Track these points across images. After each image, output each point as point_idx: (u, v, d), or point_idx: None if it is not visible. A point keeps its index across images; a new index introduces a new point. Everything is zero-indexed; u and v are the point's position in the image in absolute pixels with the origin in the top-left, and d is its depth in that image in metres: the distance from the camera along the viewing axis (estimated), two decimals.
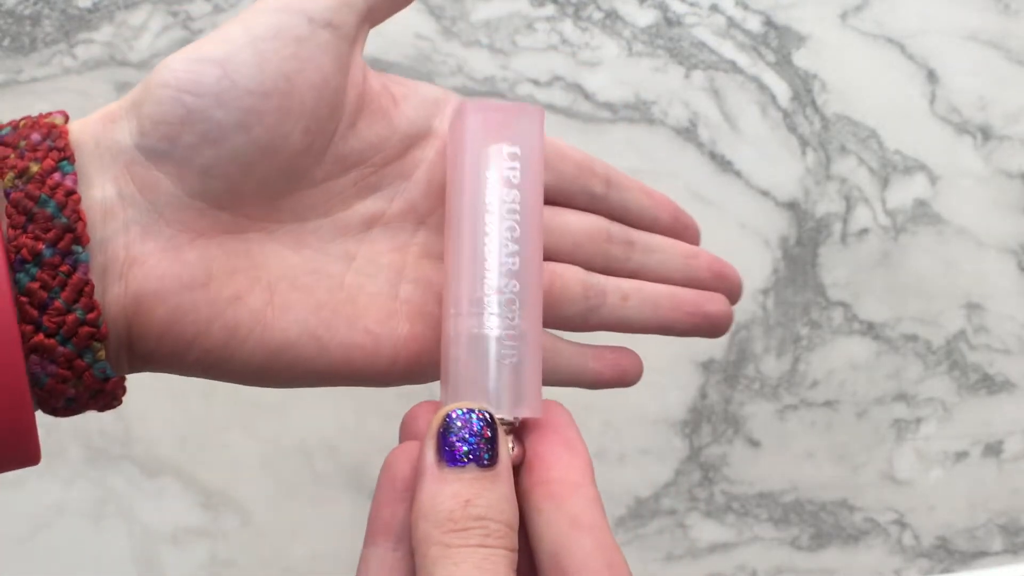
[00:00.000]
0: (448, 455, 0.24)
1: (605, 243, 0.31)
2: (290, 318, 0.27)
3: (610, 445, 0.64)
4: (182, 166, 0.25)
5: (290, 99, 0.26)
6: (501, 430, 0.24)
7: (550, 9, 0.61)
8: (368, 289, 0.28)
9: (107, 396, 0.26)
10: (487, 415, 0.24)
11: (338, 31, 0.27)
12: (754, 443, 0.67)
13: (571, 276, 0.30)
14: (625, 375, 0.31)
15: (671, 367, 0.64)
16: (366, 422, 0.60)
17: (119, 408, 0.61)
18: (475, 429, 0.24)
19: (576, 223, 0.31)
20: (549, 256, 0.30)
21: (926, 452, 0.71)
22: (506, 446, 0.24)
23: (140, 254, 0.25)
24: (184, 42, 0.56)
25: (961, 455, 0.71)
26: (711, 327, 0.32)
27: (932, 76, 0.67)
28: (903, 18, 0.66)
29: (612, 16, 0.62)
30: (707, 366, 0.65)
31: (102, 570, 0.59)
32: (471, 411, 0.24)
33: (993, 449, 0.72)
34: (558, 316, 0.30)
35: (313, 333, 0.27)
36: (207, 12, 0.56)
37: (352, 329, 0.28)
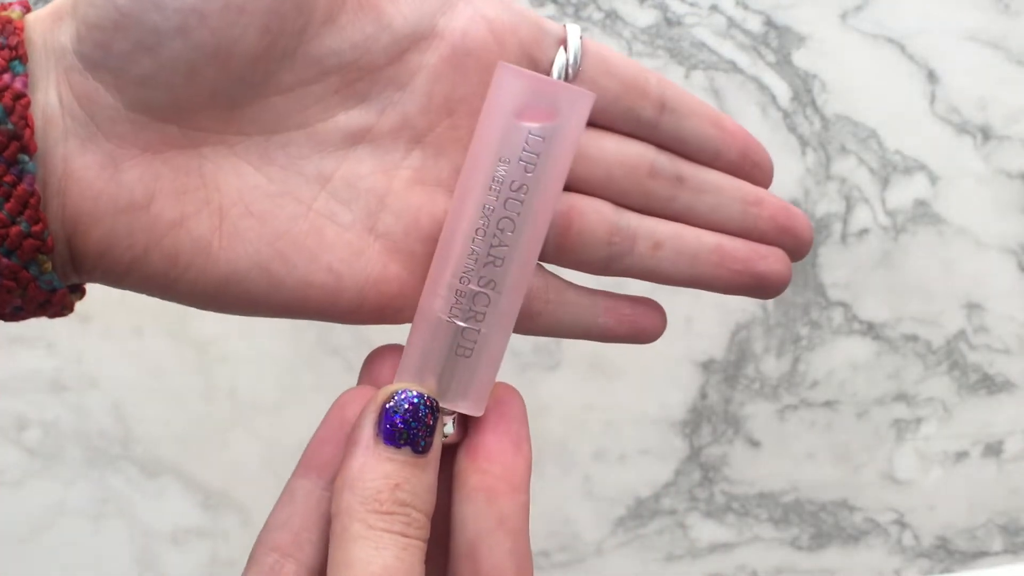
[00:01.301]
0: (387, 432, 0.23)
1: (647, 177, 0.27)
2: (240, 249, 0.24)
3: (610, 445, 0.64)
4: (118, 76, 0.23)
5: None
6: (440, 420, 0.24)
7: (550, 9, 0.61)
8: (340, 219, 0.25)
9: (55, 306, 0.24)
10: (433, 403, 0.24)
11: None
12: (754, 443, 0.67)
13: (595, 215, 0.26)
14: (642, 333, 0.28)
15: (671, 367, 0.64)
16: None
17: (119, 408, 0.61)
18: (419, 415, 0.23)
19: (613, 150, 0.26)
20: (574, 187, 0.26)
21: (926, 452, 0.71)
22: (440, 436, 0.24)
23: (77, 169, 0.23)
24: None
25: (961, 455, 0.71)
26: (760, 288, 0.28)
27: (932, 76, 0.67)
28: (903, 18, 0.66)
29: (612, 16, 0.62)
30: (707, 366, 0.65)
31: (102, 570, 0.59)
32: (420, 396, 0.24)
33: (993, 449, 0.72)
34: (574, 259, 0.27)
35: (266, 267, 0.24)
36: None
37: (313, 265, 0.25)
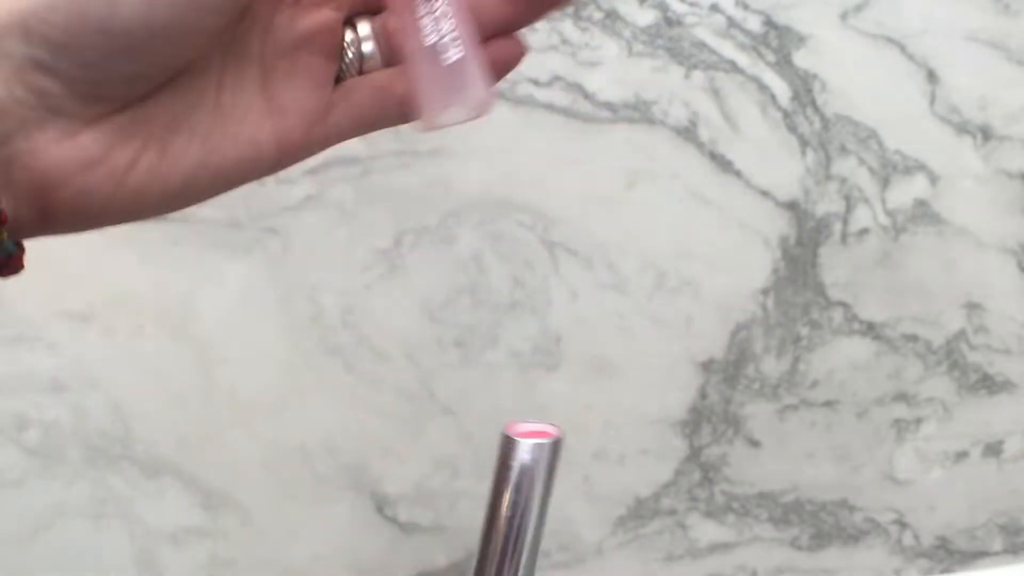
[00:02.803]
0: None
1: None
2: (185, 161, 0.28)
3: (610, 445, 0.64)
4: (66, 80, 0.26)
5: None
6: None
7: None
8: (241, 101, 0.29)
9: (10, 269, 0.28)
10: None
11: None
12: (754, 443, 0.67)
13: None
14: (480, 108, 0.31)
15: (671, 367, 0.64)
16: (366, 422, 0.60)
17: (119, 408, 0.61)
18: None
19: None
20: None
21: (926, 452, 0.71)
22: None
23: (38, 147, 0.26)
24: None
25: (961, 455, 0.71)
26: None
27: (932, 76, 0.67)
28: (903, 18, 0.66)
29: (612, 16, 0.62)
30: (707, 366, 0.65)
31: (102, 570, 0.59)
32: None
33: (993, 449, 0.72)
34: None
35: (206, 164, 0.29)
36: None
37: (237, 143, 0.29)
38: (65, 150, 0.27)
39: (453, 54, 0.28)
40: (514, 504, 0.30)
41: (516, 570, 0.29)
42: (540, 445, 0.30)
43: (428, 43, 0.28)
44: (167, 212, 0.30)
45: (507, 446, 0.30)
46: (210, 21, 0.27)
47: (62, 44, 0.25)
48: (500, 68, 0.32)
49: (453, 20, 0.29)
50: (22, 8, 0.26)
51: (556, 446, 0.31)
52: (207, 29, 0.27)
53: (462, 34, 0.29)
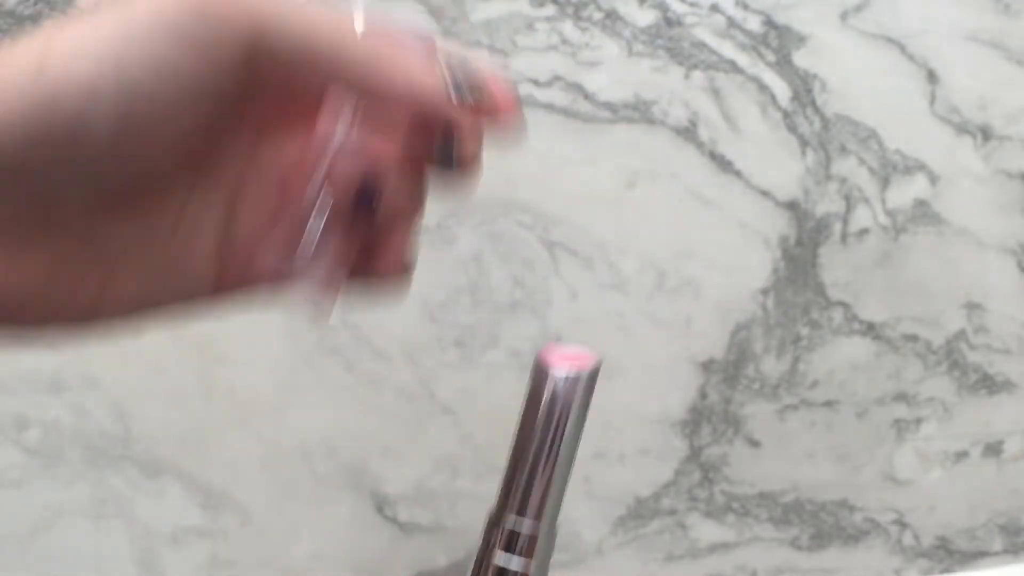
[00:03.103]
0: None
1: None
2: (127, 292, 0.26)
3: (610, 445, 0.64)
4: (15, 207, 0.23)
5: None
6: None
7: (550, 9, 0.61)
8: (195, 242, 0.27)
9: None
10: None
11: None
12: (754, 443, 0.67)
13: None
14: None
15: (671, 367, 0.64)
16: (366, 422, 0.60)
17: (119, 408, 0.61)
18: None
19: None
20: None
21: (926, 452, 0.71)
22: None
23: None
24: None
25: (961, 455, 0.71)
26: None
27: (932, 76, 0.67)
28: (903, 18, 0.66)
29: (612, 16, 0.62)
30: (707, 366, 0.65)
31: (102, 570, 0.59)
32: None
33: (993, 449, 0.72)
34: None
35: (149, 298, 0.27)
36: None
37: (181, 284, 0.27)
38: (6, 274, 0.24)
39: (313, 228, 0.26)
40: (543, 436, 0.27)
41: (545, 495, 0.28)
42: (574, 378, 0.28)
43: (307, 196, 0.26)
44: (117, 333, 0.27)
45: (539, 375, 0.28)
46: (188, 140, 0.24)
47: (15, 165, 0.22)
48: (372, 284, 0.28)
49: (330, 191, 0.26)
50: None
51: (593, 376, 0.28)
52: (182, 148, 0.24)
53: (329, 213, 0.26)
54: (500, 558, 0.27)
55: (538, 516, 0.27)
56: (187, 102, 0.23)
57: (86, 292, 0.25)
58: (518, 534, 0.27)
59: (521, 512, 0.27)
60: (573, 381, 0.27)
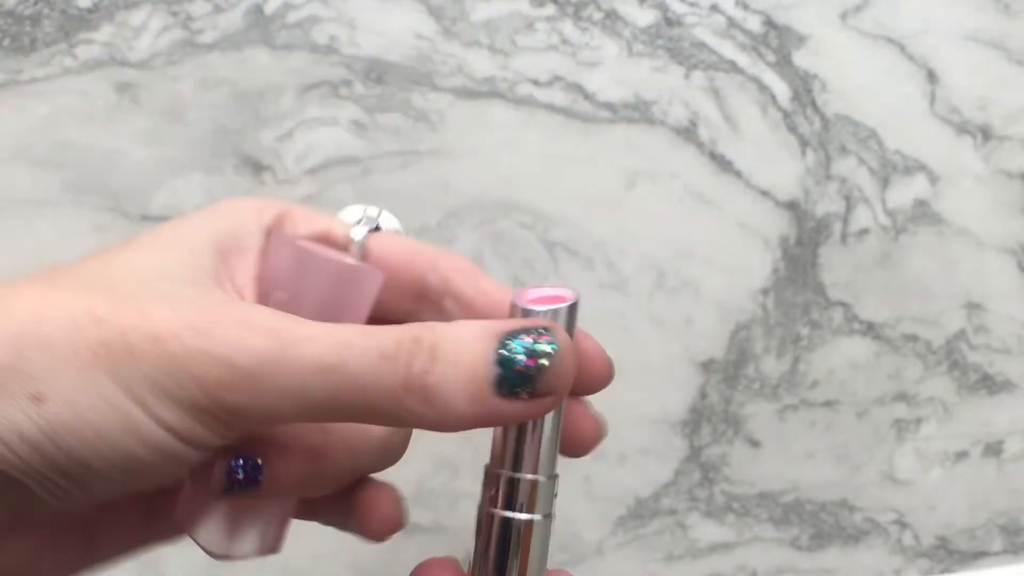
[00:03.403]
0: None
1: None
2: (111, 550, 0.28)
3: (610, 445, 0.64)
4: (26, 504, 0.24)
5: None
6: None
7: (550, 9, 0.61)
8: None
9: None
10: None
11: None
12: (754, 443, 0.67)
13: None
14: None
15: (671, 367, 0.64)
16: None
17: None
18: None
19: None
20: None
21: (926, 452, 0.71)
22: None
23: None
24: (184, 43, 0.56)
25: (961, 455, 0.71)
26: None
27: (932, 76, 0.67)
28: (903, 18, 0.66)
29: (612, 16, 0.62)
30: (707, 366, 0.65)
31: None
32: None
33: (993, 449, 0.72)
34: None
35: (137, 544, 0.29)
36: (207, 12, 0.56)
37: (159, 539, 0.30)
38: None
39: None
40: None
41: (537, 453, 0.27)
42: (555, 311, 0.26)
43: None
44: None
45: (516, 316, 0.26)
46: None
47: (23, 476, 0.22)
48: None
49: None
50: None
51: (572, 310, 0.26)
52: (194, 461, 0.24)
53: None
54: (501, 512, 0.26)
55: (534, 469, 0.26)
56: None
57: (70, 560, 0.27)
58: (516, 487, 0.26)
59: (516, 467, 0.26)
60: (552, 315, 0.26)
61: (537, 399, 0.24)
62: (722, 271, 0.65)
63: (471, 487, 0.62)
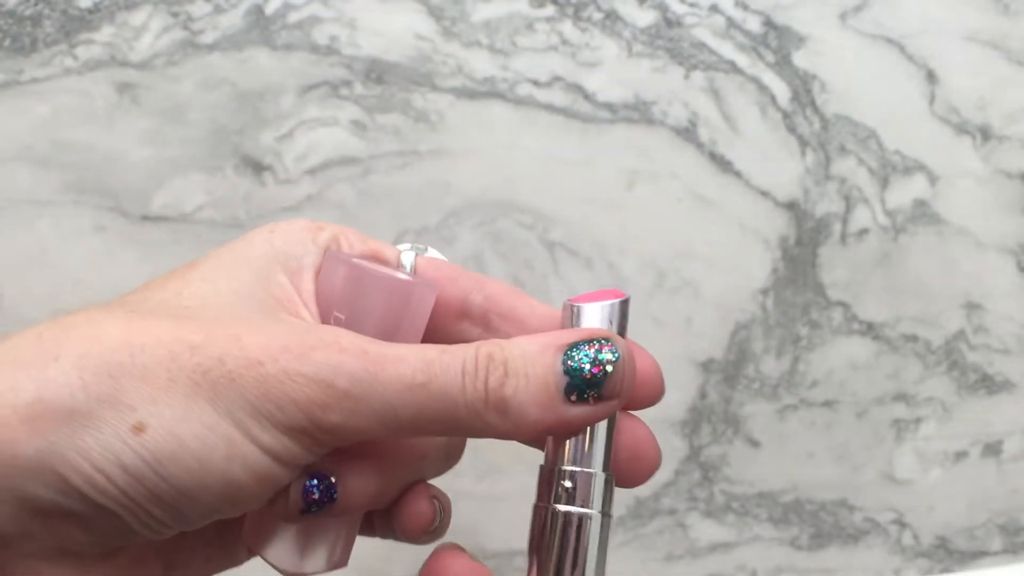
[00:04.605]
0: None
1: None
2: (189, 572, 0.28)
3: None
4: (101, 535, 0.23)
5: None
6: None
7: (550, 9, 0.61)
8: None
9: None
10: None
11: None
12: (754, 443, 0.67)
13: None
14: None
15: (671, 367, 0.64)
16: None
17: None
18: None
19: None
20: None
21: (926, 452, 0.71)
22: None
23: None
24: (184, 43, 0.56)
25: (961, 455, 0.71)
26: None
27: (932, 76, 0.67)
28: (903, 18, 0.66)
29: (612, 16, 0.62)
30: (707, 366, 0.65)
31: None
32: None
33: (993, 449, 0.72)
34: None
35: (208, 571, 0.29)
36: (207, 12, 0.57)
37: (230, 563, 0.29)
38: None
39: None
40: None
41: (594, 450, 0.27)
42: (609, 306, 0.27)
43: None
44: None
45: (570, 316, 0.27)
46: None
47: (119, 508, 0.22)
48: None
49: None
50: (66, 455, 0.22)
51: (624, 305, 0.28)
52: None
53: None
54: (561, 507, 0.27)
55: (592, 464, 0.27)
56: None
57: None
58: (576, 482, 0.27)
59: (575, 463, 0.27)
60: (607, 311, 0.27)
61: (603, 403, 0.26)
62: (722, 271, 0.65)
63: (471, 487, 0.62)
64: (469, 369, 0.24)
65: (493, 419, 0.24)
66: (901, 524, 0.71)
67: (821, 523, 0.69)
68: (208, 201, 0.57)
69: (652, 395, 0.30)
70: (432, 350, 0.24)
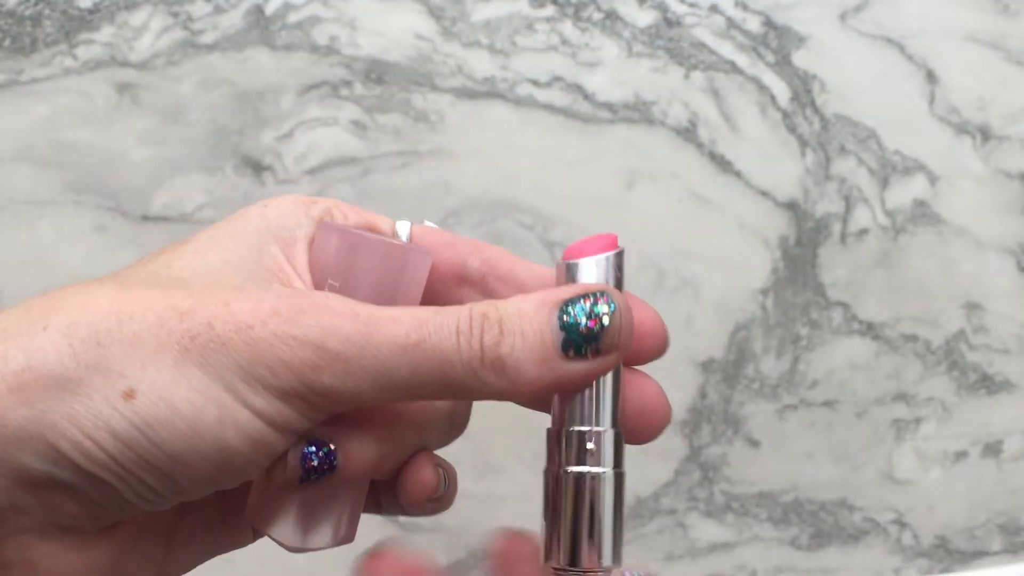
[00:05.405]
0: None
1: None
2: (186, 560, 0.28)
3: None
4: (95, 507, 0.23)
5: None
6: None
7: (550, 10, 0.61)
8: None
9: None
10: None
11: None
12: (754, 443, 0.67)
13: None
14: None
15: (671, 367, 0.64)
16: None
17: None
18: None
19: None
20: None
21: (926, 452, 0.71)
22: None
23: (37, 553, 0.23)
24: (184, 43, 0.56)
25: (961, 455, 0.71)
26: None
27: (931, 76, 0.67)
28: (903, 18, 0.66)
29: (612, 17, 0.62)
30: (707, 366, 0.65)
31: None
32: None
33: (992, 449, 0.72)
34: None
35: (210, 552, 0.29)
36: (207, 12, 0.57)
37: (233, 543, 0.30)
38: (70, 563, 0.24)
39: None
40: None
41: (601, 406, 0.27)
42: (604, 259, 0.27)
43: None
44: None
45: (565, 273, 0.26)
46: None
47: (112, 477, 0.22)
48: None
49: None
50: (56, 423, 0.22)
51: (619, 257, 0.27)
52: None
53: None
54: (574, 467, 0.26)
55: (600, 422, 0.26)
56: None
57: (152, 565, 0.26)
58: (584, 441, 0.26)
59: (582, 422, 0.26)
60: (602, 264, 0.27)
61: (601, 357, 0.25)
62: (722, 271, 0.65)
63: (471, 487, 0.62)
64: (463, 328, 0.24)
65: (490, 378, 0.24)
66: (901, 524, 0.71)
67: (821, 523, 0.69)
68: (208, 201, 0.57)
69: (655, 347, 0.29)
70: (426, 311, 0.24)
